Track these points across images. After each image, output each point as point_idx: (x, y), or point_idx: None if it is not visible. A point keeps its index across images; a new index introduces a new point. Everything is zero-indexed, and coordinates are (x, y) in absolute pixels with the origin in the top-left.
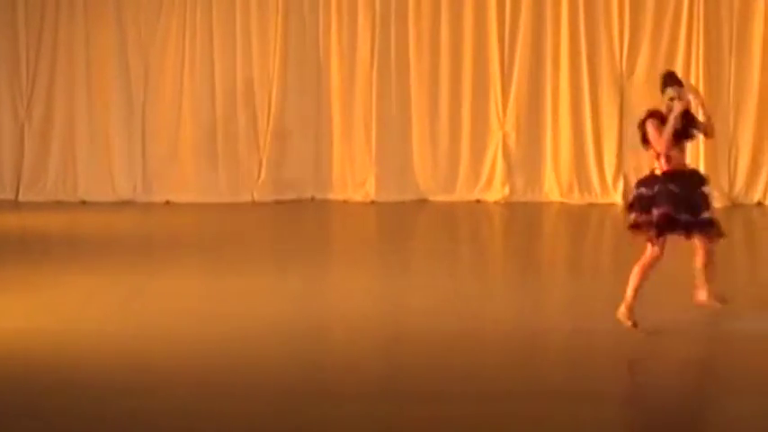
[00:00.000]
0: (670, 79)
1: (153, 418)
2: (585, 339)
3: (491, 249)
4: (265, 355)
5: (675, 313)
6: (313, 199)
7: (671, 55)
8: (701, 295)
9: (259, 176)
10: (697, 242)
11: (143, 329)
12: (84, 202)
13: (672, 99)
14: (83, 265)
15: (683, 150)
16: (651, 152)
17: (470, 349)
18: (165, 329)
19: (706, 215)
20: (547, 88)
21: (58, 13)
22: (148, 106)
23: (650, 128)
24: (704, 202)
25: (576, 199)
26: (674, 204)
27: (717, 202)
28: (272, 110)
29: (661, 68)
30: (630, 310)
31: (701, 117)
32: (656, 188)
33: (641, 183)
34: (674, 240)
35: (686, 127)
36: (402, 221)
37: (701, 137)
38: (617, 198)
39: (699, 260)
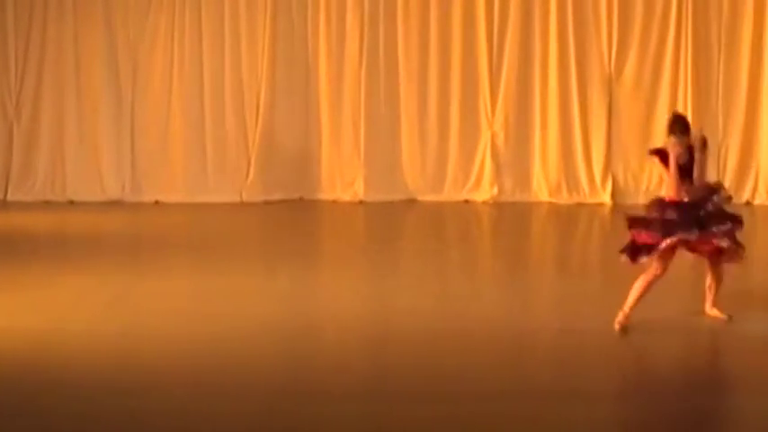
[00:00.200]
0: (675, 125)
1: (142, 418)
2: (574, 339)
3: (480, 249)
4: (255, 355)
5: (665, 313)
6: (302, 199)
7: (659, 56)
8: (708, 307)
9: (248, 176)
10: (708, 262)
11: (132, 329)
12: (72, 202)
13: (674, 145)
14: (71, 265)
15: (690, 178)
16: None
17: (459, 349)
18: (155, 329)
19: (713, 230)
20: (535, 88)
21: (47, 13)
22: (137, 106)
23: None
24: (711, 217)
25: (564, 199)
26: (670, 229)
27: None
28: (261, 110)
29: (650, 69)
30: (627, 318)
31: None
32: (655, 214)
33: (649, 205)
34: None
35: (690, 163)
36: (391, 221)
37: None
38: (605, 198)
39: (708, 279)
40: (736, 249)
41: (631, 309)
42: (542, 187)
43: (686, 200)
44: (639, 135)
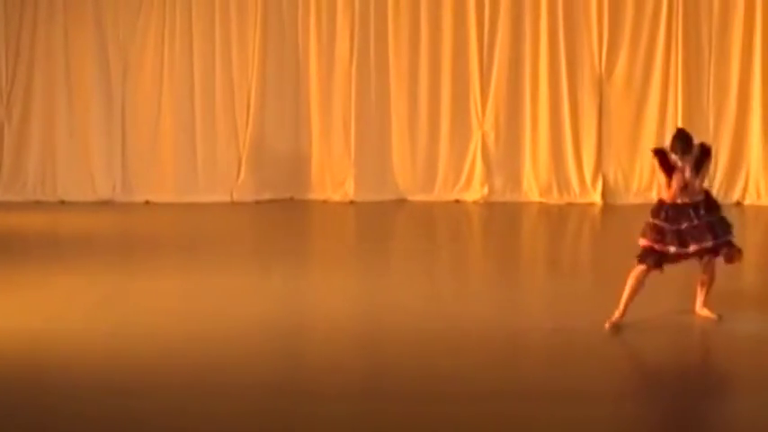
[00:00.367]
0: (677, 144)
1: (134, 417)
2: (565, 338)
3: (471, 249)
4: (246, 354)
5: (657, 312)
6: (292, 199)
7: (650, 56)
8: (698, 306)
9: (238, 176)
10: (701, 266)
11: (123, 329)
12: (63, 202)
13: (677, 162)
14: (63, 265)
15: (691, 183)
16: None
17: (451, 349)
18: (146, 329)
19: (709, 244)
20: (526, 88)
21: (37, 13)
22: (128, 106)
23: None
24: (706, 231)
25: (554, 199)
26: (661, 238)
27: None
28: (251, 110)
29: (640, 69)
30: (621, 317)
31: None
32: (651, 219)
33: (651, 211)
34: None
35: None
36: (381, 221)
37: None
38: (596, 198)
39: (702, 278)
40: (731, 252)
41: (626, 307)
42: (533, 187)
43: (684, 201)
44: (630, 135)
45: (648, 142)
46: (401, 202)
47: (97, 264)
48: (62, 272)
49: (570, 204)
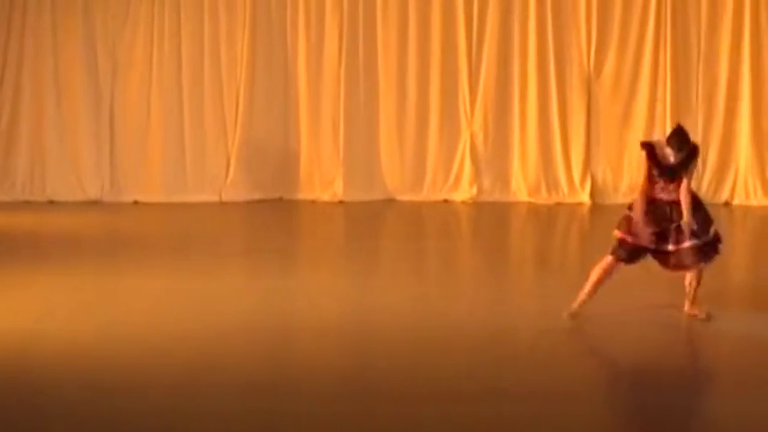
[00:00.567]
0: (674, 139)
1: (122, 417)
2: (553, 338)
3: (459, 249)
4: (235, 354)
5: (646, 310)
6: (281, 199)
7: (639, 56)
8: (687, 305)
9: (227, 176)
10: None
11: (111, 329)
12: (52, 202)
13: (669, 155)
14: (51, 265)
15: (674, 181)
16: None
17: (439, 348)
18: (135, 329)
19: (685, 245)
20: (514, 88)
21: (26, 13)
22: (116, 106)
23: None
24: (677, 235)
25: (543, 198)
26: (636, 232)
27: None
28: (240, 110)
29: (629, 69)
30: (580, 306)
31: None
32: (628, 212)
33: (630, 204)
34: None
35: (677, 167)
36: (370, 221)
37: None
38: (584, 197)
39: (687, 278)
40: (705, 257)
41: (588, 297)
42: (521, 187)
43: (663, 198)
44: (618, 135)
45: (637, 142)
46: (390, 201)
47: (86, 264)
48: (51, 272)
49: (559, 204)
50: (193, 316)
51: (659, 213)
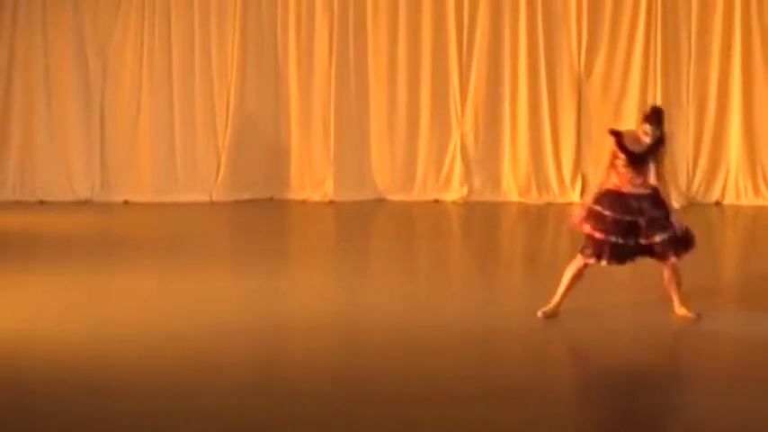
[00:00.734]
0: (653, 116)
1: (113, 418)
2: (544, 338)
3: (450, 249)
4: (225, 354)
5: (635, 310)
6: (272, 199)
7: (629, 56)
8: (676, 306)
9: (217, 176)
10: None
11: (103, 329)
12: (42, 202)
13: (645, 133)
14: (42, 265)
15: (641, 173)
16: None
17: (430, 349)
18: (125, 329)
19: (657, 239)
20: (505, 88)
21: (16, 13)
22: (107, 106)
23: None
24: (653, 226)
25: (534, 198)
26: (598, 224)
27: (675, 201)
28: (231, 110)
29: (619, 69)
30: (556, 308)
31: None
32: (594, 207)
33: (594, 197)
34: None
35: (645, 154)
36: (361, 221)
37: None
38: (575, 197)
39: (665, 274)
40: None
41: (562, 298)
42: (512, 187)
43: (630, 191)
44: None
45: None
46: (380, 201)
47: (76, 264)
48: (41, 272)
49: (549, 204)
50: (184, 316)
51: (628, 207)
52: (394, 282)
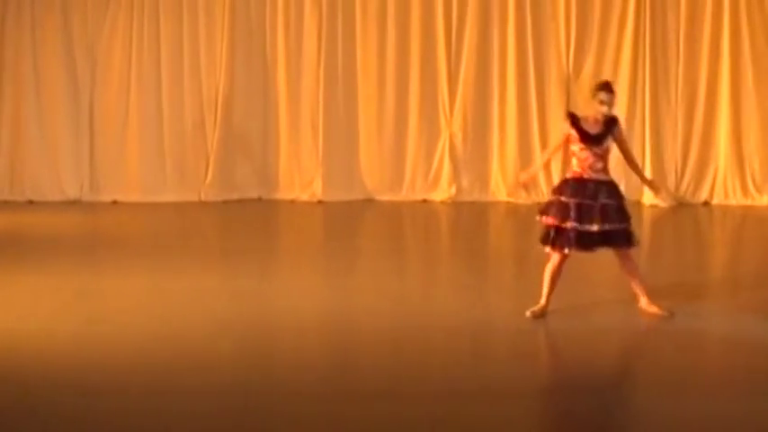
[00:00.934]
0: (604, 85)
1: (102, 417)
2: (533, 337)
3: (438, 248)
4: (214, 354)
5: (620, 312)
6: (260, 199)
7: (617, 57)
8: (642, 303)
9: (206, 176)
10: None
11: (91, 329)
12: (31, 202)
13: (602, 102)
14: (31, 265)
15: (599, 156)
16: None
17: (419, 348)
18: (114, 329)
19: (606, 227)
20: (494, 88)
21: (5, 13)
22: (95, 106)
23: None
24: (606, 214)
25: (522, 198)
26: (562, 215)
27: (663, 201)
28: (219, 110)
29: (608, 70)
30: (544, 308)
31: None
32: (554, 196)
33: (555, 188)
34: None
35: (601, 134)
36: (349, 221)
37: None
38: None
39: (624, 273)
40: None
41: (547, 298)
42: (500, 187)
43: (591, 176)
44: None
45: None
46: (369, 201)
47: (65, 263)
48: (30, 271)
49: (538, 204)
50: (173, 315)
51: (585, 190)
52: (382, 281)
